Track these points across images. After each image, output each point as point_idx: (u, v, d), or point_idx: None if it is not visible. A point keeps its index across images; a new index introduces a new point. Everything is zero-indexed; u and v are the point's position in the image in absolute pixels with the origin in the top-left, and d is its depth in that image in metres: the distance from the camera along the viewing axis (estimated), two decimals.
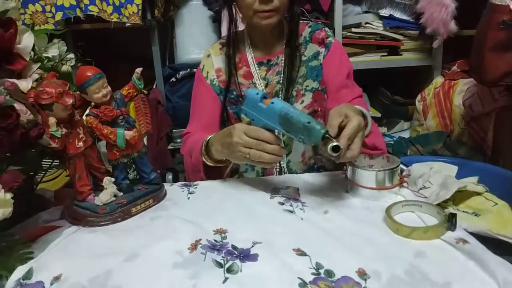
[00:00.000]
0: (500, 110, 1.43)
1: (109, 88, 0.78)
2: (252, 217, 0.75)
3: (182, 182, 0.94)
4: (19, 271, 0.61)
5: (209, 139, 0.90)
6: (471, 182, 0.95)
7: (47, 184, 1.02)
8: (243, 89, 1.05)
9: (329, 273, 0.56)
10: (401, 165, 1.33)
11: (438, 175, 0.97)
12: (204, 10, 1.79)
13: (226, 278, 0.56)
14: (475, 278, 0.55)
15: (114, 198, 0.80)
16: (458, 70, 1.73)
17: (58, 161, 0.86)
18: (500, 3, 1.07)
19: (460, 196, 0.94)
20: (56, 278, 0.59)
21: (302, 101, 1.04)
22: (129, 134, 0.78)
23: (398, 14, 1.79)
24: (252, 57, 1.07)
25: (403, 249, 0.62)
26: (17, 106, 0.71)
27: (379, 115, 1.91)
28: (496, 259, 0.58)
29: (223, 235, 0.68)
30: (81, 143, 0.76)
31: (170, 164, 1.76)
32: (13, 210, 0.63)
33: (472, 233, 0.79)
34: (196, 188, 0.90)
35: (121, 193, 0.81)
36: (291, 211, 0.76)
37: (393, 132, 1.96)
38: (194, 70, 1.69)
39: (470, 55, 1.24)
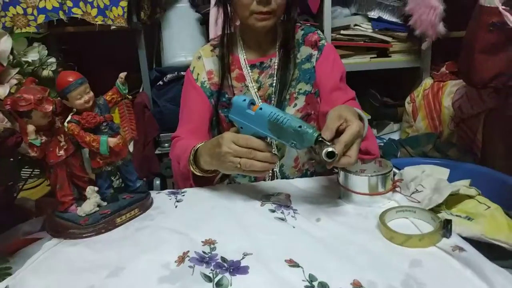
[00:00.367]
0: (489, 112, 1.43)
1: (91, 93, 0.74)
2: (242, 226, 0.72)
3: (169, 190, 0.91)
4: None
5: (197, 148, 0.87)
6: (463, 186, 0.94)
7: (29, 192, 0.98)
8: (235, 91, 1.03)
9: (323, 286, 0.54)
10: (396, 170, 1.33)
11: (430, 179, 0.96)
12: (191, 12, 1.77)
13: None
14: (472, 287, 0.53)
15: (97, 208, 0.76)
16: (447, 71, 1.73)
17: (38, 170, 0.82)
18: (489, 5, 1.07)
19: (453, 199, 0.93)
20: None
21: (295, 105, 1.02)
22: (113, 141, 0.75)
23: (386, 16, 1.79)
24: (244, 59, 1.05)
25: (398, 258, 0.60)
26: None
27: (368, 117, 1.90)
28: (493, 267, 0.56)
29: (212, 246, 0.66)
30: (62, 152, 0.73)
31: (157, 169, 1.72)
32: None
33: (466, 238, 0.78)
34: (183, 195, 0.87)
35: (105, 203, 0.78)
36: (282, 219, 0.74)
37: (383, 134, 1.95)
38: (182, 73, 1.67)
39: (459, 57, 1.23)
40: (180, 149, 0.95)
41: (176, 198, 0.86)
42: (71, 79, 0.71)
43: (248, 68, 1.04)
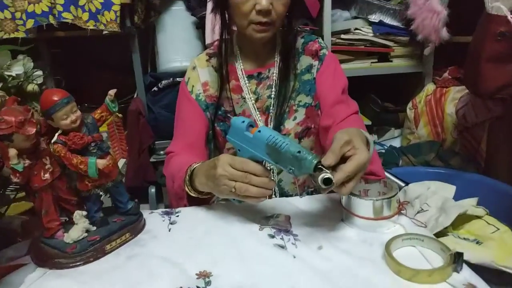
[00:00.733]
0: (494, 120, 1.39)
1: (78, 112, 0.70)
2: (240, 255, 0.68)
3: (163, 210, 0.86)
4: None
5: (194, 169, 0.82)
6: (471, 205, 0.90)
7: (19, 205, 0.94)
8: (233, 104, 0.98)
9: None
10: (397, 180, 1.29)
11: (436, 197, 0.92)
12: (187, 15, 1.71)
13: None
14: None
15: (86, 234, 0.72)
16: (450, 77, 1.69)
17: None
18: (497, 13, 1.02)
19: (460, 219, 0.89)
20: None
21: (295, 118, 0.98)
22: (101, 163, 0.70)
23: (388, 20, 1.74)
24: (241, 69, 1.00)
25: None
26: None
27: (369, 123, 1.86)
28: None
29: (207, 279, 0.61)
30: (47, 175, 0.68)
31: (153, 177, 1.67)
32: None
33: (475, 264, 0.74)
34: (178, 216, 0.83)
35: (94, 227, 0.74)
36: (282, 246, 0.70)
37: (384, 139, 1.91)
38: (177, 79, 1.62)
39: (465, 66, 1.19)
40: (174, 167, 0.91)
41: (169, 220, 0.82)
42: (56, 98, 0.66)
43: (246, 78, 0.99)
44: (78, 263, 0.68)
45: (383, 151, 1.70)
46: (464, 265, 0.61)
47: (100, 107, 0.74)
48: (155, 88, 1.64)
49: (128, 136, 1.67)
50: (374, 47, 1.77)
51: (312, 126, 0.99)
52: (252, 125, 0.71)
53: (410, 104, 1.78)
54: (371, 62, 1.80)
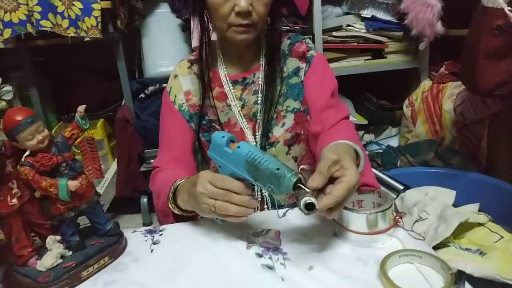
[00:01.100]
0: (494, 117, 1.34)
1: (46, 132, 0.65)
2: (225, 279, 0.63)
3: (146, 228, 0.82)
4: None
5: (177, 186, 0.78)
6: (472, 212, 0.85)
7: None
8: (218, 112, 0.93)
9: None
10: (396, 183, 1.24)
11: (434, 204, 0.87)
12: (172, 18, 1.65)
13: None
14: None
15: (61, 260, 0.67)
16: (446, 72, 1.64)
17: None
18: (493, 6, 0.97)
19: (461, 227, 0.84)
20: None
21: (283, 124, 0.93)
22: (73, 184, 0.65)
23: (380, 15, 1.69)
24: (225, 75, 0.95)
25: None
26: None
27: (365, 122, 1.81)
28: None
29: None
30: (15, 200, 0.64)
31: (144, 187, 1.62)
32: None
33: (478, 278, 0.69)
34: (161, 235, 0.78)
35: (70, 252, 0.69)
36: (270, 267, 0.65)
37: (381, 138, 1.86)
38: (164, 85, 1.56)
39: (461, 62, 1.14)
40: (159, 183, 0.87)
41: (152, 240, 0.77)
42: (19, 118, 0.62)
43: (230, 84, 0.94)
44: None
45: (381, 151, 1.65)
46: (467, 285, 0.56)
47: (71, 124, 0.69)
48: (142, 95, 1.59)
49: (116, 145, 1.62)
50: (367, 43, 1.73)
51: (302, 132, 0.94)
52: (233, 140, 0.67)
53: (406, 102, 1.73)
54: (365, 59, 1.76)
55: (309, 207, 0.56)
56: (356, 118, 1.80)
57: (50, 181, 0.64)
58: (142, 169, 1.64)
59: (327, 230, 0.74)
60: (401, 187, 1.26)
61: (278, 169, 0.58)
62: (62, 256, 0.68)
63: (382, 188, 0.95)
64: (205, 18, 0.90)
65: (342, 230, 0.70)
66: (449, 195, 0.91)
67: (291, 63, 0.95)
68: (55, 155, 0.66)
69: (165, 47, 1.61)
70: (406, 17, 1.57)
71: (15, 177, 0.65)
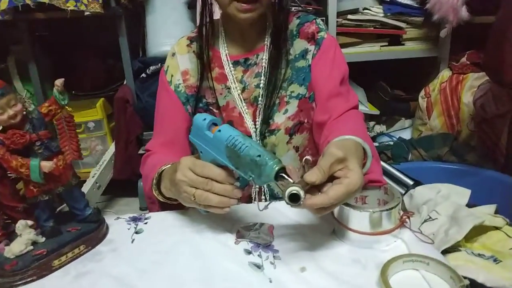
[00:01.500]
0: None
1: (18, 106, 0.59)
2: (206, 276, 0.57)
3: (131, 215, 0.76)
4: None
5: (162, 171, 0.72)
6: (488, 214, 0.77)
7: None
8: (216, 94, 0.87)
9: None
10: (406, 178, 1.16)
11: (446, 204, 0.79)
12: None
13: None
14: None
15: (31, 247, 0.62)
16: (468, 62, 1.55)
17: None
18: None
19: (475, 230, 0.76)
20: None
21: (286, 110, 0.86)
22: (47, 166, 0.60)
23: None
24: (226, 55, 0.88)
25: None
26: None
27: (377, 112, 1.73)
28: None
29: None
30: None
31: None
32: None
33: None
34: (146, 223, 0.73)
35: (44, 239, 0.64)
36: (258, 266, 0.59)
37: (393, 130, 1.78)
38: None
39: (486, 50, 1.05)
40: (148, 167, 0.82)
41: (135, 228, 0.71)
42: None
43: (231, 65, 0.87)
44: (17, 283, 0.58)
45: (392, 143, 1.57)
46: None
47: (48, 100, 0.63)
48: (144, 75, 1.53)
49: (115, 125, 1.58)
50: (384, 28, 1.64)
51: (306, 120, 0.87)
52: (216, 123, 0.60)
53: (422, 92, 1.65)
54: (381, 46, 1.68)
55: (293, 198, 0.50)
56: (367, 108, 1.72)
57: (21, 161, 0.59)
58: (141, 151, 1.59)
59: (325, 227, 0.67)
60: (411, 182, 1.18)
61: (259, 156, 0.52)
62: (34, 243, 0.63)
63: (390, 183, 0.88)
64: None
65: (342, 228, 0.64)
66: (463, 194, 0.83)
67: (299, 45, 0.87)
68: (28, 132, 0.60)
69: (169, 25, 1.53)
70: (428, 1, 1.48)
71: None
